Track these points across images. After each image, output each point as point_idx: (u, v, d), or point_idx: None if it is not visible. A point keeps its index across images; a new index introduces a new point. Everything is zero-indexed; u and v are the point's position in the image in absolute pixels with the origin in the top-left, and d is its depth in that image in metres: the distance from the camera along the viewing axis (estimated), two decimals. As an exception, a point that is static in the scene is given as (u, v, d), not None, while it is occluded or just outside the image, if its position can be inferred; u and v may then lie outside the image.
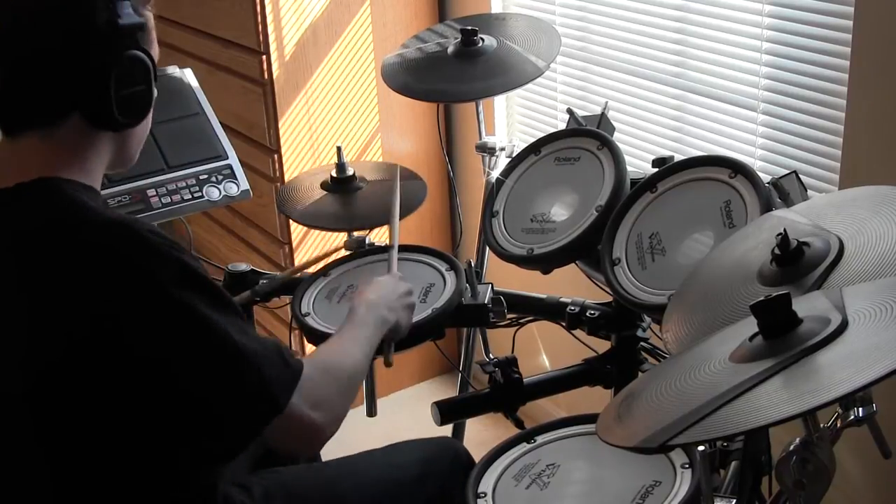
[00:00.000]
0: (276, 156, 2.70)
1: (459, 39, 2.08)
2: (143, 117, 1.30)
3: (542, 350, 2.71)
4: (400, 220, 1.81)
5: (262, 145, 2.75)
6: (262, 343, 1.24)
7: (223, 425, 1.23)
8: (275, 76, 2.61)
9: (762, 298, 1.04)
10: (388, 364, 1.54)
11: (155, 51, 1.30)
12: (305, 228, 2.70)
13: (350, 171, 1.96)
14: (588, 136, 1.81)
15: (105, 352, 1.16)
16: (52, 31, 1.20)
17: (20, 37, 1.21)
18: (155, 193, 1.78)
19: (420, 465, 1.58)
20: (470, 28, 2.07)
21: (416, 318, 1.62)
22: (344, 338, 1.47)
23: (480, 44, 2.07)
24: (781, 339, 1.02)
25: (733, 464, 1.40)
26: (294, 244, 2.78)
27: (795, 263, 1.21)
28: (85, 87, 1.22)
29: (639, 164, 2.27)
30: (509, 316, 1.79)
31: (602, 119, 1.90)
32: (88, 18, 1.20)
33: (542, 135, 1.90)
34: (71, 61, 1.21)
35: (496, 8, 2.64)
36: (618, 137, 1.94)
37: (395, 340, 1.56)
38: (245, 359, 1.21)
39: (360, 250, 1.89)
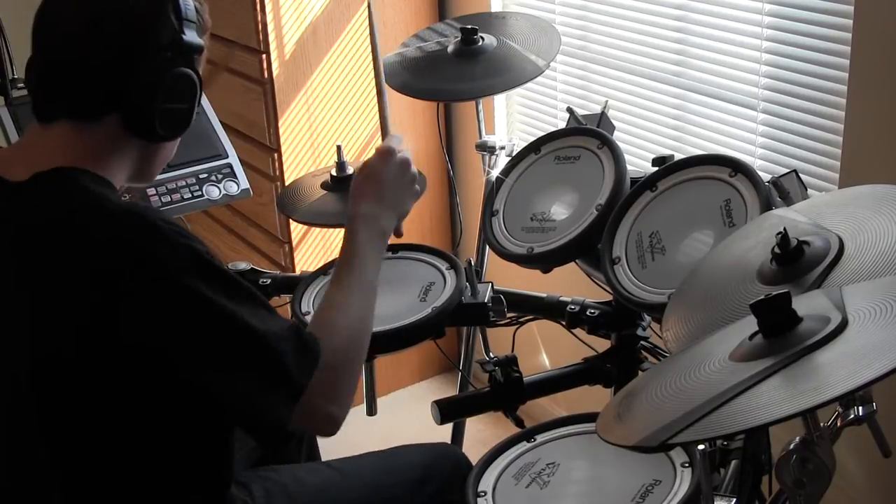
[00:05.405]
0: (275, 155, 2.70)
1: (459, 38, 2.08)
2: (179, 134, 1.32)
3: (542, 349, 2.71)
4: None
5: (262, 144, 2.75)
6: (279, 325, 1.23)
7: (246, 413, 1.23)
8: (275, 75, 2.61)
9: (762, 297, 1.04)
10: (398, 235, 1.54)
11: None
12: (305, 228, 2.70)
13: (350, 171, 1.96)
14: (588, 134, 1.81)
15: (115, 342, 1.16)
16: (118, 36, 1.23)
17: (86, 37, 1.23)
18: (155, 192, 1.79)
19: (420, 469, 1.58)
20: (470, 27, 2.07)
21: (415, 318, 1.62)
22: (346, 298, 1.37)
23: (480, 43, 2.07)
24: (781, 337, 1.02)
25: (733, 463, 1.40)
26: (294, 243, 2.78)
27: (795, 262, 1.21)
28: (134, 92, 1.24)
29: (639, 163, 2.27)
30: (509, 315, 1.79)
31: (602, 118, 1.90)
32: (155, 29, 1.24)
33: (541, 134, 1.90)
34: (129, 66, 1.23)
35: (496, 7, 2.64)
36: (618, 136, 1.94)
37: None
38: (261, 344, 1.20)
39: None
